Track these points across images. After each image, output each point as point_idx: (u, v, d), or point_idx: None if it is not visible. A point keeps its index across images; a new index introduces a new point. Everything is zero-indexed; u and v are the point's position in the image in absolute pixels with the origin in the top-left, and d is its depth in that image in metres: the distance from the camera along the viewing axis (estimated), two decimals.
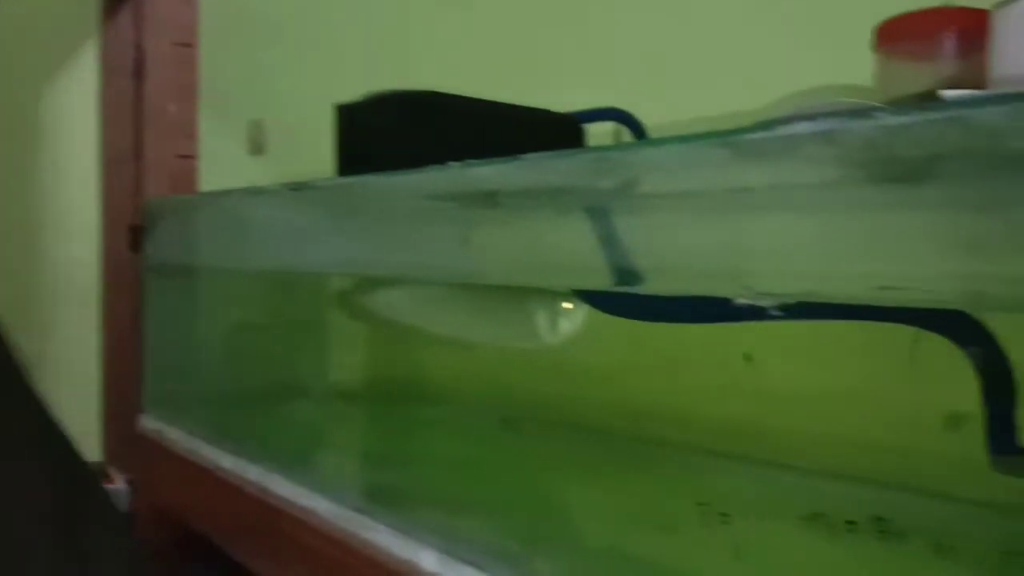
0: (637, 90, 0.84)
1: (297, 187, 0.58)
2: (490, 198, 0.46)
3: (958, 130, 0.28)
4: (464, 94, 0.63)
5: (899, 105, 0.43)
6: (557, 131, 0.72)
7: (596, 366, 0.74)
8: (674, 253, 0.40)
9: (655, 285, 0.42)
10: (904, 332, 0.50)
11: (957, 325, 0.43)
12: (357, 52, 1.13)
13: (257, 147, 1.16)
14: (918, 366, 0.52)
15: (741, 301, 0.36)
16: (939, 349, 0.46)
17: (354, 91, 0.66)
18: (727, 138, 0.34)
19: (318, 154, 0.70)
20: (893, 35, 0.61)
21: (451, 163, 0.46)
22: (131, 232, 0.98)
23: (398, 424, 0.86)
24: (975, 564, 0.51)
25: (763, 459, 0.63)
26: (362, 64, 1.10)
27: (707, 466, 0.67)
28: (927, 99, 0.48)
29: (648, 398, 0.71)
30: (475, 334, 0.80)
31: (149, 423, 0.89)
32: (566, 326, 0.75)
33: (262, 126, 1.15)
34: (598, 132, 0.78)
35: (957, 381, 0.47)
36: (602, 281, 0.45)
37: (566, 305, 0.75)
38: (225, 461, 0.71)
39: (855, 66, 0.61)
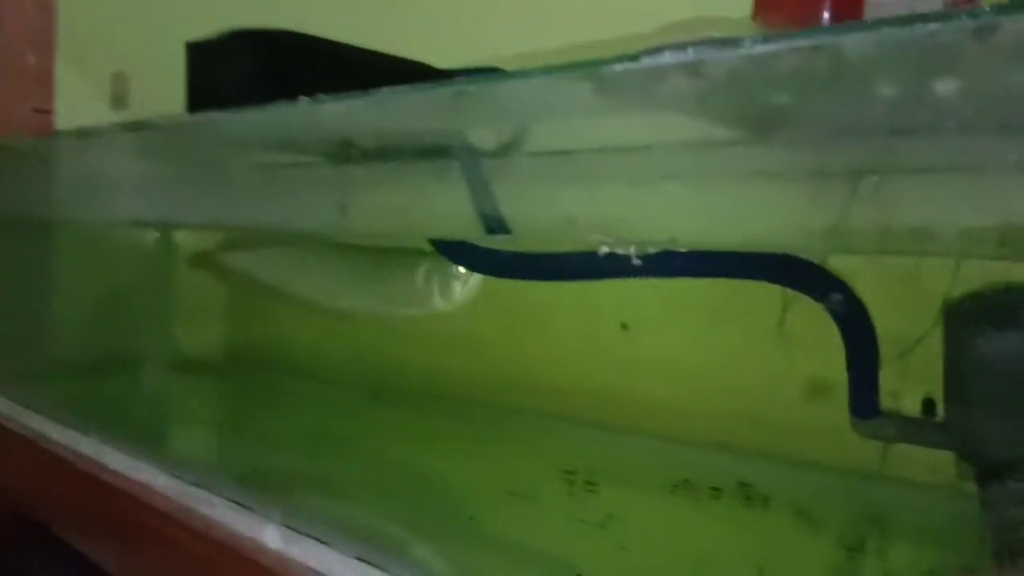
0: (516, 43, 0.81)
1: (133, 127, 0.52)
2: (342, 139, 0.42)
3: (825, 58, 0.26)
4: (336, 40, 0.58)
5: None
6: None
7: (469, 335, 0.71)
8: (530, 204, 0.37)
9: (517, 239, 0.40)
10: (775, 303, 0.50)
11: (813, 279, 0.42)
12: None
13: (120, 101, 1.09)
14: (788, 337, 0.52)
15: (603, 250, 0.34)
16: (809, 320, 0.46)
17: None
18: (590, 70, 0.31)
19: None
20: (770, 3, 0.61)
21: (301, 98, 0.41)
22: None
23: (252, 395, 0.80)
24: (836, 527, 0.51)
25: (633, 428, 0.62)
26: (238, 12, 1.02)
27: (575, 436, 0.65)
28: None
29: (520, 368, 0.69)
30: (354, 300, 0.75)
31: None
32: (459, 291, 0.71)
33: (125, 78, 1.08)
34: None
35: (826, 351, 0.47)
36: (470, 232, 0.42)
37: (460, 269, 0.70)
38: (55, 434, 0.64)
39: None
